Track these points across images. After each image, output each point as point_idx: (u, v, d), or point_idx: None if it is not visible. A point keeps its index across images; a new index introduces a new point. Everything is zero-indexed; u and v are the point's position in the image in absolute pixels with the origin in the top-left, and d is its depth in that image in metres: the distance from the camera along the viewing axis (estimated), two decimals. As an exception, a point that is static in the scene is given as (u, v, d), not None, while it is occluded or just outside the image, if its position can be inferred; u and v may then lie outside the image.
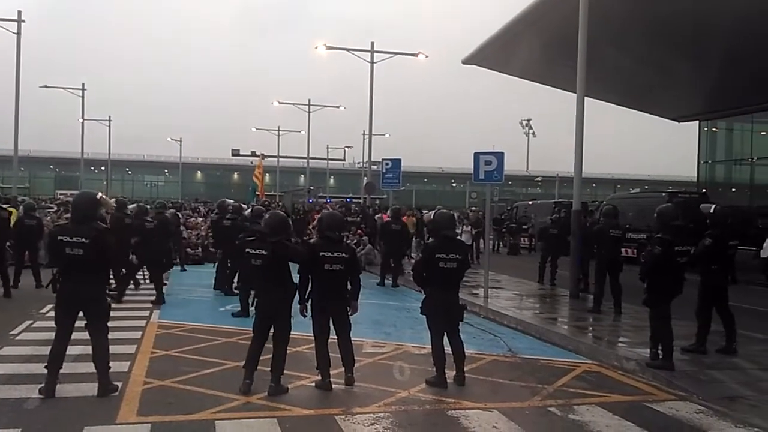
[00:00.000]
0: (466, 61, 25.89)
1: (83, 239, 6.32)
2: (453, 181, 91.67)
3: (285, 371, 6.76)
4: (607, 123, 59.50)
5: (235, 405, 6.29)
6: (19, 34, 28.24)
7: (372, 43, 31.44)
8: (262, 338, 6.82)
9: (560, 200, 33.05)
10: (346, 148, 69.38)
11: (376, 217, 21.60)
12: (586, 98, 13.86)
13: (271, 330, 6.81)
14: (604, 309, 11.69)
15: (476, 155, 13.09)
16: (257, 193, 32.06)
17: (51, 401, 6.20)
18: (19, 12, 28.45)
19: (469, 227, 21.69)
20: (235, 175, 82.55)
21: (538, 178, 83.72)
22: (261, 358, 6.78)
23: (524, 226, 30.43)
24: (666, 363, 7.73)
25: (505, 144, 69.82)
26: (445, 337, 7.24)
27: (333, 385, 6.86)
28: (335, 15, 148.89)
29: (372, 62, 31.20)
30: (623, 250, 13.36)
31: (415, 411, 6.33)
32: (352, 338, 7.21)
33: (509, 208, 36.21)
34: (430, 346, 7.28)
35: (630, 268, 11.07)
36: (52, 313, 6.87)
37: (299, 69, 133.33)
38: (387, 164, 21.56)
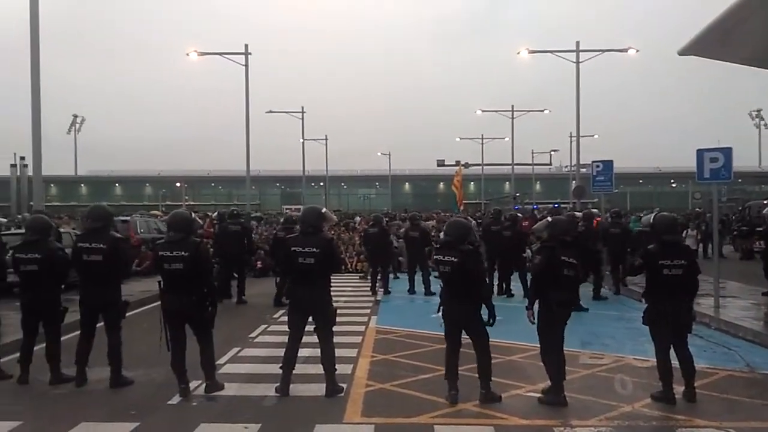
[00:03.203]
0: (682, 52, 23.82)
1: (314, 249, 6.84)
2: (672, 181, 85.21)
3: (498, 379, 6.72)
4: None
5: (451, 411, 6.39)
6: (246, 65, 31.35)
7: (577, 43, 30.38)
8: (453, 345, 6.82)
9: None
10: (552, 152, 67.67)
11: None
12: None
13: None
14: None
15: (700, 152, 12.09)
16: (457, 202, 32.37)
17: (286, 400, 6.76)
18: (246, 45, 31.62)
19: (695, 231, 19.97)
20: (441, 185, 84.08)
21: (774, 174, 74.88)
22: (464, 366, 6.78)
23: (758, 228, 27.33)
24: None
25: (731, 138, 63.64)
26: (672, 350, 6.74)
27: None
28: (530, 19, 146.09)
29: (577, 62, 30.13)
30: None
31: (641, 427, 5.97)
32: (566, 348, 6.97)
33: (740, 208, 32.84)
34: (655, 359, 6.82)
35: None
36: (284, 318, 7.50)
37: (500, 76, 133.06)
38: (597, 166, 20.59)
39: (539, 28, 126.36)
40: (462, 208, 32.68)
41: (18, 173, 45.50)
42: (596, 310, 12.80)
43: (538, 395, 6.74)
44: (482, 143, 59.38)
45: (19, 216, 27.04)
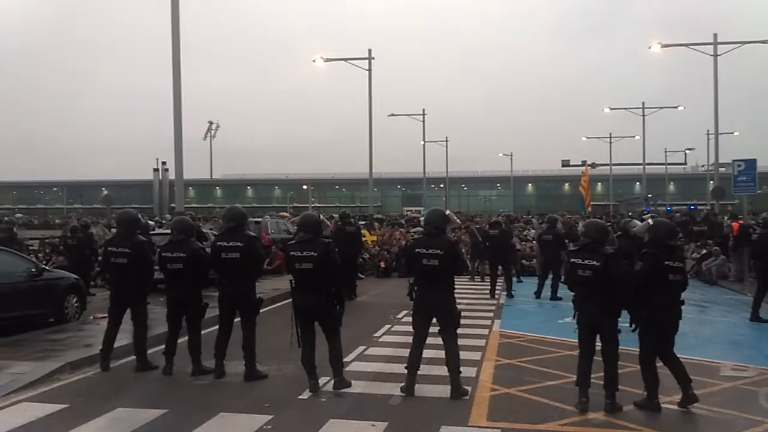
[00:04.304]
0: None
1: (438, 251, 6.88)
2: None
3: (626, 388, 6.47)
4: None
5: (579, 419, 6.22)
6: (369, 70, 32.02)
7: (715, 35, 28.61)
8: (588, 352, 6.61)
9: None
10: (687, 151, 63.98)
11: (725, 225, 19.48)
12: None
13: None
14: None
15: None
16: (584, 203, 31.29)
17: (411, 399, 6.84)
18: (369, 50, 32.33)
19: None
20: (566, 186, 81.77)
21: None
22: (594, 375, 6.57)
23: None
24: None
25: None
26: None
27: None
28: (660, 13, 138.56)
29: (715, 55, 28.35)
30: None
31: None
32: (705, 358, 6.57)
33: None
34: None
35: None
36: (408, 318, 7.59)
37: (628, 72, 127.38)
38: (739, 166, 19.38)
39: (668, 22, 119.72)
40: (589, 209, 31.57)
41: (160, 177, 48.89)
42: (736, 318, 11.97)
43: (673, 405, 6.44)
44: (610, 142, 57.14)
45: (156, 217, 29.07)
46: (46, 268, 12.70)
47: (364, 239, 22.34)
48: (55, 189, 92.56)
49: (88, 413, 6.36)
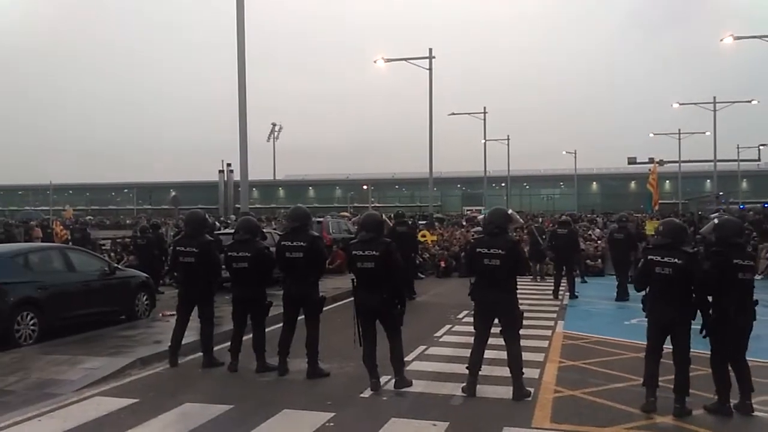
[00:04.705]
0: None
1: (499, 250, 6.83)
2: None
3: (698, 392, 6.26)
4: None
5: (647, 423, 6.07)
6: (430, 69, 31.95)
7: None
8: (657, 353, 6.42)
9: None
10: (761, 147, 61.26)
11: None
12: None
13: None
14: None
15: None
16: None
17: (473, 400, 6.79)
18: (430, 50, 32.23)
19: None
20: (632, 184, 79.60)
21: None
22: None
23: None
24: None
25: None
26: None
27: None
28: (728, 7, 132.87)
29: (792, 46, 27.14)
30: None
31: None
32: (755, 359, 6.30)
33: None
34: None
35: None
36: (468, 318, 7.54)
37: (699, 66, 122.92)
38: (818, 162, 18.36)
39: (742, 12, 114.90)
40: (657, 208, 30.66)
41: (225, 178, 50.07)
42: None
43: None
44: (679, 138, 55.30)
45: (222, 218, 29.78)
46: (118, 267, 13.18)
47: (424, 239, 22.40)
48: (125, 191, 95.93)
49: (158, 408, 6.57)
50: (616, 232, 15.58)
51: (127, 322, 11.49)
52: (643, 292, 6.62)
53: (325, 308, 8.07)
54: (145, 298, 12.27)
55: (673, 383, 6.31)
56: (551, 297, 14.69)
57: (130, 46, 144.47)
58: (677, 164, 56.68)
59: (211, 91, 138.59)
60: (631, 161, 60.24)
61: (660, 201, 36.63)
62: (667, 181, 66.19)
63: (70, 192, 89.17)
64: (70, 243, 20.93)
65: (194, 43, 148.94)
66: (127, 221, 57.90)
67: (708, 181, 62.91)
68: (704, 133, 52.92)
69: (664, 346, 6.48)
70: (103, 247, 23.35)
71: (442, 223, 32.55)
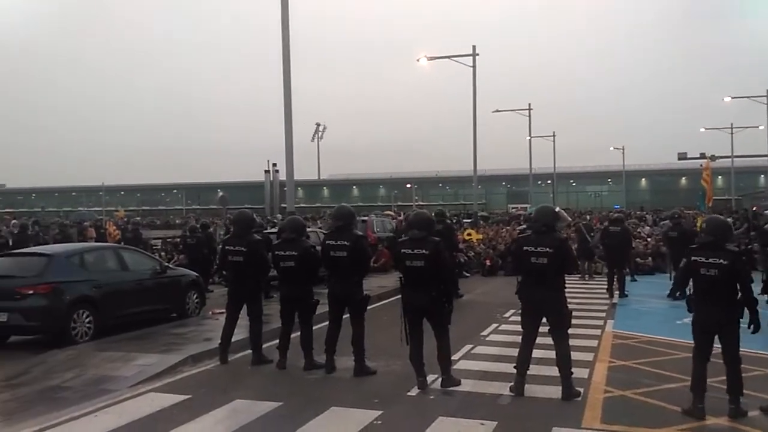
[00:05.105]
0: None
1: (547, 249, 6.75)
2: None
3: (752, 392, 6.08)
4: None
5: (699, 425, 5.92)
6: (474, 67, 31.72)
7: None
8: (705, 355, 6.24)
9: None
10: (819, 140, 59.05)
11: None
12: None
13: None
14: None
15: None
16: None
17: (521, 399, 6.73)
18: (473, 47, 31.98)
19: None
20: (683, 180, 77.72)
21: None
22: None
23: None
24: None
25: None
26: None
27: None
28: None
29: None
30: None
31: None
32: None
33: None
34: None
35: None
36: (515, 318, 7.48)
37: (752, 60, 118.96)
38: None
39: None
40: (710, 205, 29.86)
41: (271, 178, 50.65)
42: None
43: None
44: (731, 133, 53.68)
45: (269, 217, 30.14)
46: (169, 266, 13.48)
47: (469, 237, 22.28)
48: (175, 191, 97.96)
49: (209, 404, 6.70)
50: (670, 230, 15.26)
51: (178, 320, 11.74)
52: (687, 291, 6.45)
53: (370, 306, 8.12)
54: (195, 296, 12.51)
55: (726, 384, 6.15)
56: (600, 296, 14.44)
57: (180, 52, 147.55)
58: (729, 159, 55.05)
59: (257, 93, 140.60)
60: (682, 156, 58.69)
61: (713, 197, 35.67)
62: (720, 177, 64.30)
63: (122, 193, 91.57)
64: (122, 243, 21.49)
65: (240, 46, 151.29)
66: (177, 221, 59.06)
67: (762, 176, 61.09)
68: (758, 127, 51.28)
69: (715, 345, 6.30)
70: (154, 247, 23.90)
71: (487, 221, 32.32)
